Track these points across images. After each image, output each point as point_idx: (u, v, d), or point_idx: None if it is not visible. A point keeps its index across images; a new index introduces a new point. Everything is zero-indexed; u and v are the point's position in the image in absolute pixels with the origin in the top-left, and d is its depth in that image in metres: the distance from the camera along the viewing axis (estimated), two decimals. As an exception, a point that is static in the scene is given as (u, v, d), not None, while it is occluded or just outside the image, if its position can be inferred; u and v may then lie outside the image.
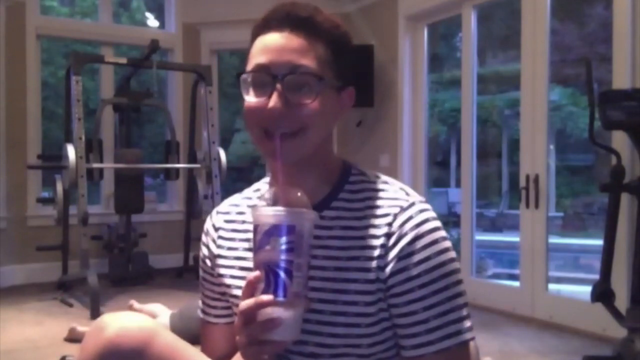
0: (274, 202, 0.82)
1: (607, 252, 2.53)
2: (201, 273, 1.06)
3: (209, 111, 4.22)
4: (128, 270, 4.40)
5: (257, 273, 0.78)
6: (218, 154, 4.18)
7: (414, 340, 0.85)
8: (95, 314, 3.29)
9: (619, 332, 2.47)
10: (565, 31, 8.11)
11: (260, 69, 0.86)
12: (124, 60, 4.20)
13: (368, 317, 0.86)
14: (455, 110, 7.64)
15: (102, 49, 4.94)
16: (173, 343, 0.94)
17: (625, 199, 2.66)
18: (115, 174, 4.44)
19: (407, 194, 0.92)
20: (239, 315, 0.79)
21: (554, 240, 6.00)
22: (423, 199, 0.92)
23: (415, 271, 0.84)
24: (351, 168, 0.97)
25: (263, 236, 0.78)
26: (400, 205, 0.89)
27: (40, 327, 3.14)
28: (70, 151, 3.62)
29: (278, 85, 0.85)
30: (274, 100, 0.84)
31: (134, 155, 4.38)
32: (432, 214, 0.90)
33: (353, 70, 0.95)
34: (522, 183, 3.39)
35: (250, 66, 0.89)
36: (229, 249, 0.99)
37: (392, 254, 0.86)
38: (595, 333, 2.93)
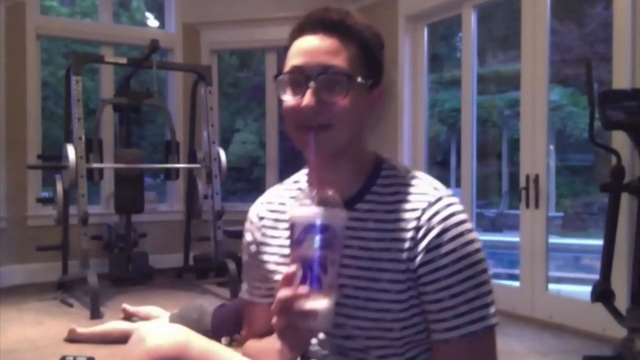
0: (310, 201, 0.87)
1: (607, 252, 2.53)
2: (245, 257, 1.14)
3: (209, 111, 4.22)
4: (128, 270, 4.40)
5: (294, 267, 0.85)
6: (218, 154, 4.18)
7: (442, 324, 0.91)
8: (95, 314, 3.28)
9: (619, 332, 2.47)
10: (565, 31, 8.11)
11: (295, 70, 0.94)
12: (124, 60, 4.20)
13: (399, 304, 0.93)
14: (455, 110, 7.64)
15: (102, 49, 4.94)
16: (206, 346, 1.05)
17: (625, 199, 2.66)
18: (115, 174, 4.43)
19: (436, 188, 0.97)
20: (277, 302, 0.85)
21: (554, 240, 6.01)
22: (451, 192, 0.97)
23: (442, 262, 0.90)
24: (383, 162, 1.03)
25: (300, 234, 0.85)
26: (429, 200, 0.94)
27: (40, 327, 3.13)
28: (70, 151, 3.62)
29: (311, 84, 0.92)
30: (307, 98, 0.92)
31: (134, 155, 4.38)
32: (458, 207, 0.95)
33: (383, 70, 1.02)
34: (522, 183, 3.39)
35: (287, 68, 0.96)
36: (273, 237, 1.07)
37: (421, 246, 0.92)
38: (595, 333, 2.92)
